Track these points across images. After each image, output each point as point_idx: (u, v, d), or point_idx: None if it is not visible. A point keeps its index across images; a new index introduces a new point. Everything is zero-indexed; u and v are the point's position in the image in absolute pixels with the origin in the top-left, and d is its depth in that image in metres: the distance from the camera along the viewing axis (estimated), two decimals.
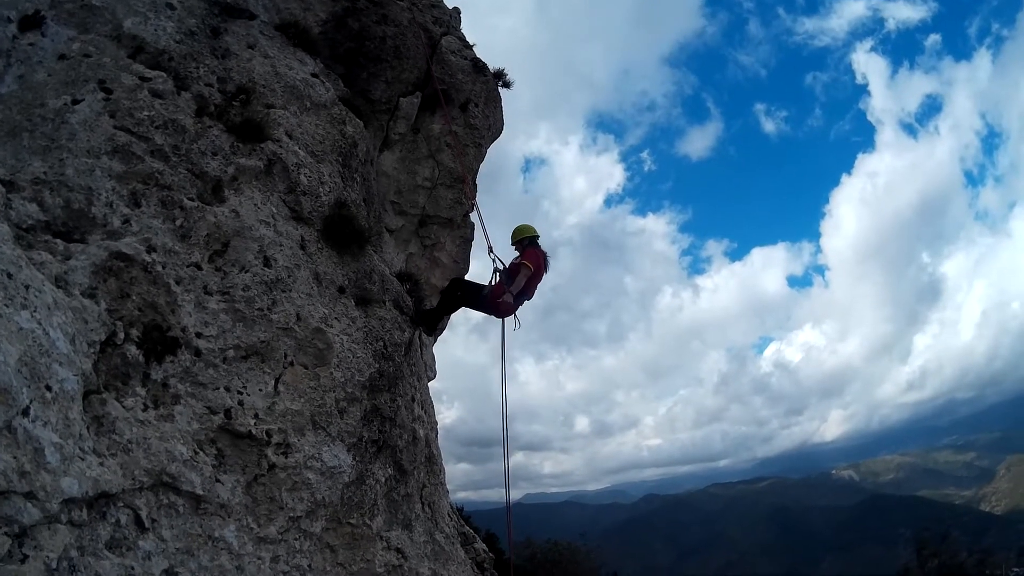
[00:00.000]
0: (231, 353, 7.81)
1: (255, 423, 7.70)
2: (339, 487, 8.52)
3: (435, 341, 17.04)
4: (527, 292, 12.59)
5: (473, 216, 17.11)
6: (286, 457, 7.93)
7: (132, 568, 5.80)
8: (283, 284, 8.61)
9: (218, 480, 7.16)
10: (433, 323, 12.76)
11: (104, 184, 7.31)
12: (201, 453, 7.07)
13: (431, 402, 14.28)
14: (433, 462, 12.31)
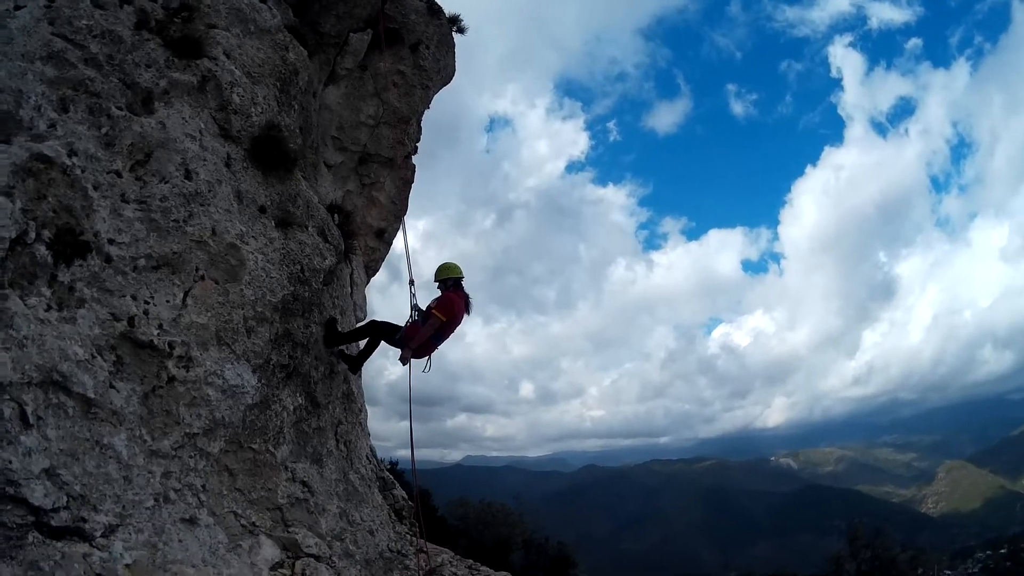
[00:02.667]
0: (142, 262, 7.57)
1: (158, 333, 7.49)
2: (241, 408, 8.35)
3: (368, 282, 16.73)
4: (441, 335, 11.86)
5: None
6: (187, 371, 7.73)
7: (10, 462, 5.69)
8: (202, 198, 8.34)
9: (113, 387, 6.95)
10: (358, 365, 12.46)
11: (35, 88, 7.01)
12: (99, 358, 6.86)
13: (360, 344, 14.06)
14: (352, 400, 12.20)
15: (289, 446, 9.44)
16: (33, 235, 6.48)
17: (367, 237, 16.18)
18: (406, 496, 15.10)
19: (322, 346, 10.85)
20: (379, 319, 12.45)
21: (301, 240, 9.75)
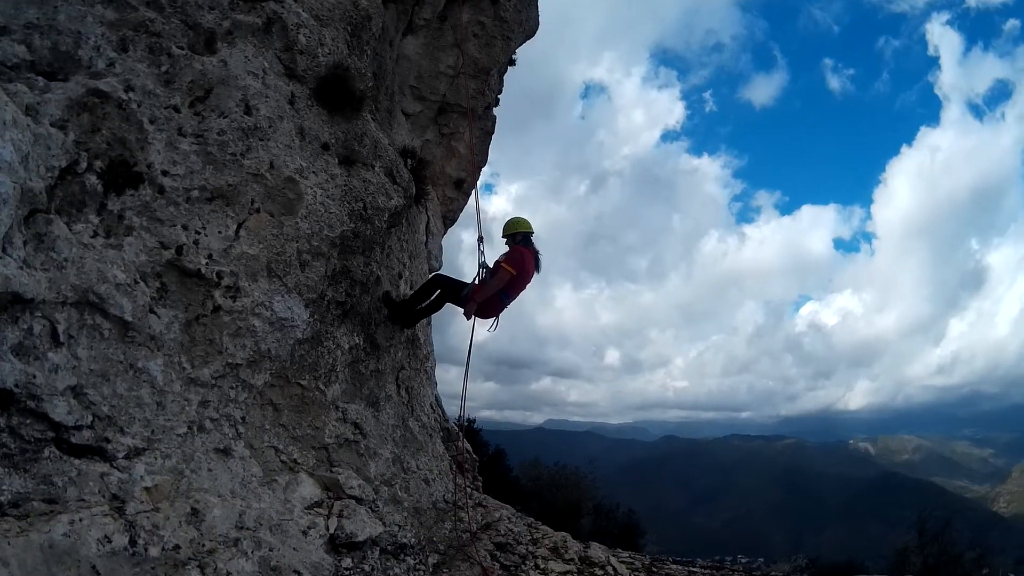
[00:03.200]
0: (195, 193, 7.32)
1: (207, 263, 7.25)
2: (290, 342, 8.05)
3: (445, 232, 16.49)
4: (509, 294, 11.17)
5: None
6: (234, 301, 7.45)
7: (34, 376, 5.50)
8: (261, 132, 7.99)
9: (153, 312, 6.74)
10: (413, 321, 11.63)
11: (94, 29, 6.79)
12: (141, 284, 6.65)
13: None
14: (417, 346, 11.80)
15: (342, 386, 9.13)
16: (84, 165, 6.36)
17: (445, 187, 15.85)
18: (471, 450, 14.98)
19: (388, 321, 10.55)
20: (444, 273, 11.87)
21: (365, 178, 9.30)
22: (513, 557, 11.29)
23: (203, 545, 6.43)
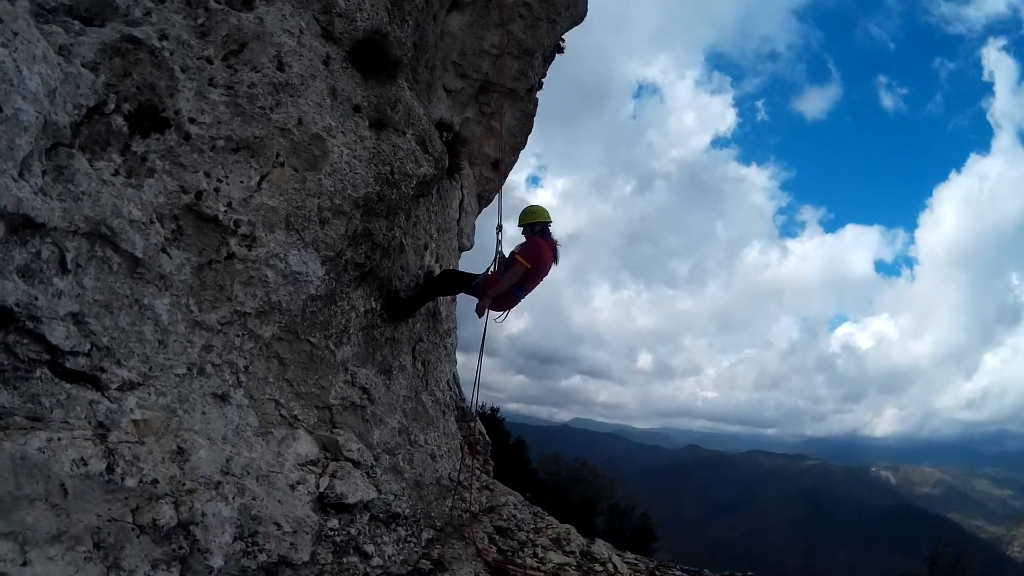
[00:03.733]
0: (221, 143, 7.22)
1: (225, 210, 7.14)
2: (302, 297, 7.90)
3: (480, 213, 16.26)
4: (524, 287, 10.53)
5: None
6: (249, 250, 7.32)
7: (36, 298, 5.45)
8: (292, 89, 7.85)
9: (165, 252, 6.66)
10: (409, 311, 10.77)
11: None
12: (157, 224, 6.58)
13: (457, 266, 13.66)
14: (438, 321, 11.63)
15: (353, 348, 8.96)
16: (112, 106, 6.30)
17: (483, 167, 15.63)
18: (484, 432, 14.78)
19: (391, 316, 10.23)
20: (453, 268, 11.51)
21: (395, 143, 9.09)
22: (511, 542, 11.08)
23: (183, 484, 6.32)
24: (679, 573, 13.68)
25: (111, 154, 6.33)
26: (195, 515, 6.24)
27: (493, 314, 10.69)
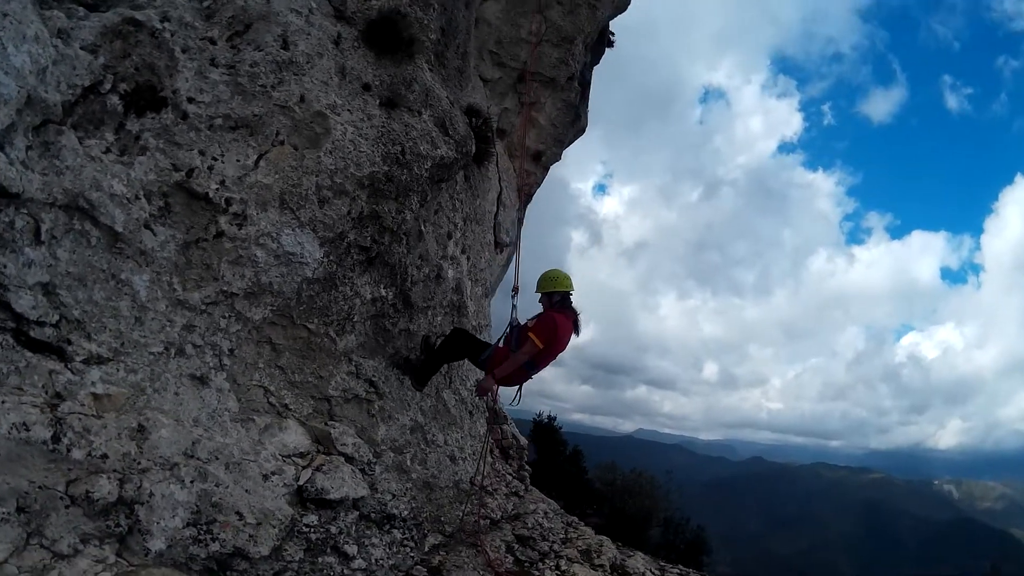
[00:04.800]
0: (219, 121, 6.92)
1: (217, 188, 6.80)
2: (296, 279, 7.38)
3: (518, 207, 15.36)
4: (537, 364, 9.31)
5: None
6: (239, 229, 6.92)
7: (5, 266, 5.34)
8: (297, 67, 7.48)
9: (149, 228, 6.38)
10: (424, 378, 9.68)
11: None
12: (143, 200, 6.36)
13: (491, 260, 13.13)
14: (463, 314, 10.94)
15: (359, 338, 8.40)
16: (108, 86, 6.25)
17: (524, 159, 14.94)
18: (516, 436, 13.86)
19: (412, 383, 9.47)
20: (464, 330, 10.34)
21: (407, 123, 8.51)
22: (531, 553, 10.24)
23: (137, 462, 5.95)
24: None
25: (104, 132, 6.26)
26: (142, 495, 5.86)
27: (507, 393, 9.90)
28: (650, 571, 10.93)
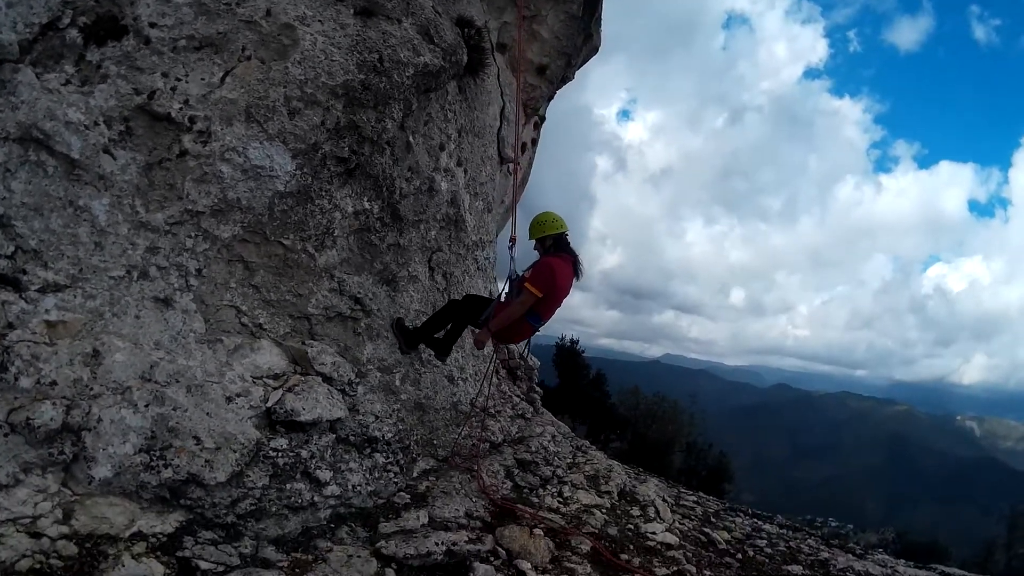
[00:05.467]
0: (183, 43, 6.60)
1: (180, 108, 6.48)
2: (267, 194, 6.99)
3: (527, 122, 14.56)
4: (541, 316, 8.60)
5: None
6: (203, 146, 6.56)
7: None
8: None
9: (108, 152, 6.12)
10: (445, 350, 9.14)
11: None
12: (101, 126, 6.09)
13: (494, 174, 12.61)
14: (460, 229, 10.54)
15: (341, 253, 8.00)
16: (67, 21, 6.06)
17: (527, 73, 14.44)
18: (525, 357, 13.35)
19: (400, 350, 8.85)
20: (472, 293, 9.83)
21: (385, 30, 8.00)
22: (532, 478, 9.90)
23: (90, 388, 5.74)
24: (744, 519, 12.15)
25: (64, 66, 6.08)
26: (89, 420, 5.67)
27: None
28: (661, 498, 10.58)
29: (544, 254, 8.57)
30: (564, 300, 8.69)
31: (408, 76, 8.08)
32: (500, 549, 7.35)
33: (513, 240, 9.32)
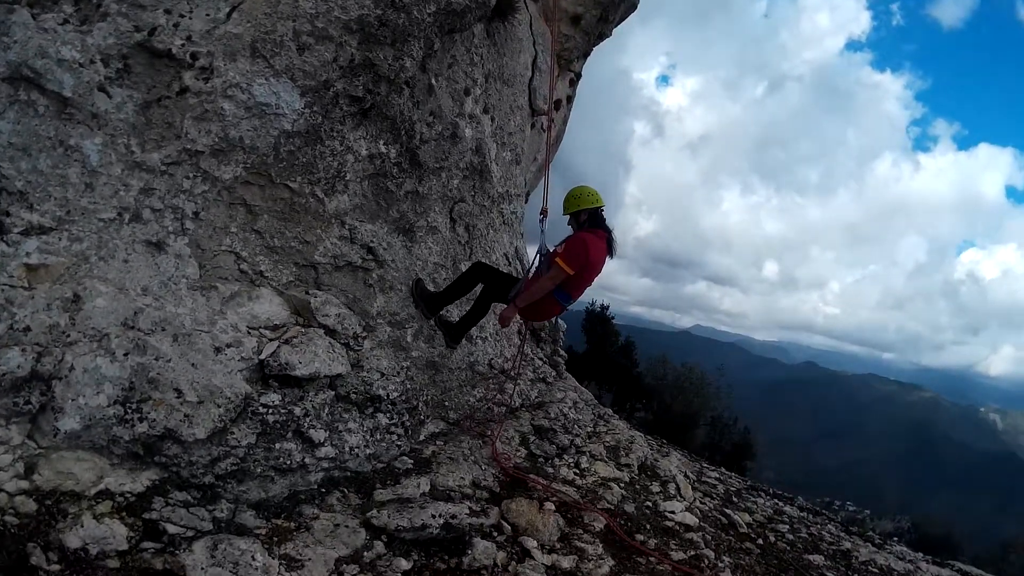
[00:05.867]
0: None
1: (183, 44, 6.00)
2: (272, 133, 6.52)
3: (561, 76, 13.89)
4: (570, 294, 8.23)
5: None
6: (205, 83, 6.12)
7: None
8: None
9: (103, 91, 5.69)
10: (458, 336, 8.86)
11: None
12: (98, 64, 5.67)
13: (524, 125, 12.04)
14: (486, 179, 10.06)
15: (353, 199, 7.54)
16: None
17: (560, 23, 13.81)
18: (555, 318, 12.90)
19: (419, 314, 8.46)
20: (487, 263, 9.28)
21: None
22: (549, 447, 9.48)
23: (66, 335, 5.36)
24: (766, 500, 11.68)
25: (62, 5, 5.65)
26: (61, 369, 5.31)
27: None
28: (683, 474, 10.12)
29: (578, 229, 8.12)
30: (595, 279, 8.24)
31: (430, 13, 7.55)
32: (505, 524, 6.90)
33: (544, 212, 8.79)
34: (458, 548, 6.16)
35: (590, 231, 8.05)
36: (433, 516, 6.19)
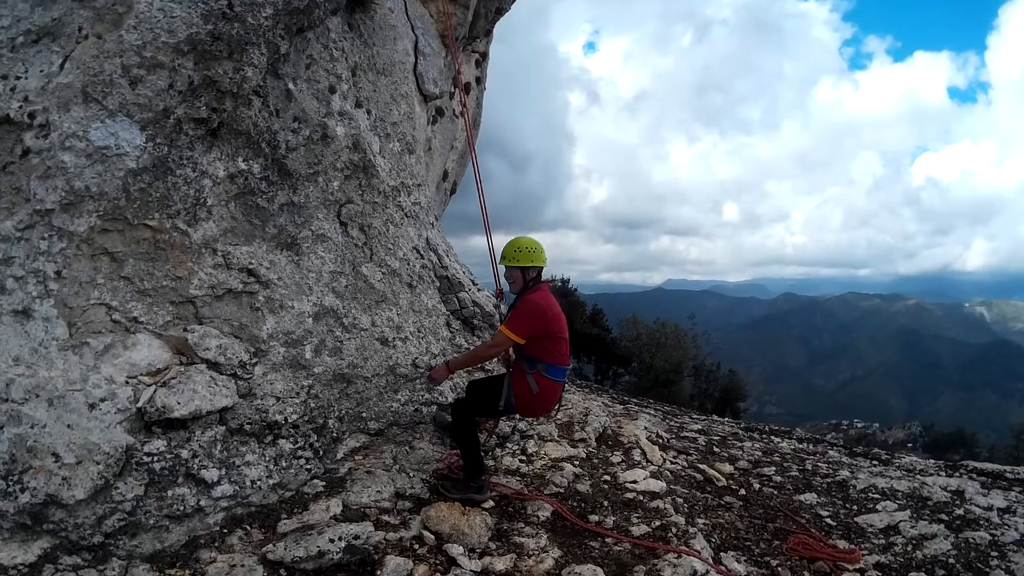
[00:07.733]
0: (20, 40, 6.23)
1: (20, 106, 6.14)
2: (118, 175, 6.56)
3: (460, 57, 13.67)
4: (554, 361, 7.43)
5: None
6: (44, 139, 6.23)
7: None
8: None
9: None
10: (479, 470, 7.69)
11: None
12: None
13: (411, 113, 11.87)
14: (371, 175, 9.97)
15: (220, 224, 7.59)
16: None
17: (438, 1, 13.54)
18: (477, 303, 12.66)
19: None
20: (477, 378, 9.25)
21: None
22: (486, 438, 9.24)
23: None
24: (755, 443, 11.71)
25: None
26: None
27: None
28: (653, 435, 10.02)
29: (524, 288, 7.75)
30: (563, 328, 7.68)
31: (267, 16, 7.47)
32: (427, 533, 6.74)
33: (500, 295, 8.78)
34: (366, 570, 6.03)
35: (535, 290, 7.66)
36: (331, 540, 6.04)
